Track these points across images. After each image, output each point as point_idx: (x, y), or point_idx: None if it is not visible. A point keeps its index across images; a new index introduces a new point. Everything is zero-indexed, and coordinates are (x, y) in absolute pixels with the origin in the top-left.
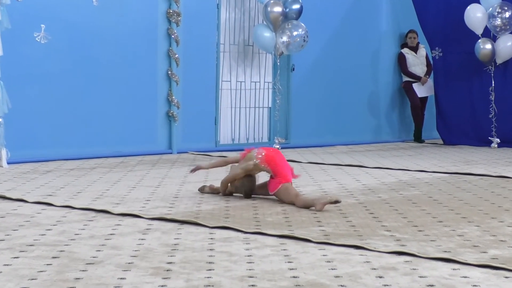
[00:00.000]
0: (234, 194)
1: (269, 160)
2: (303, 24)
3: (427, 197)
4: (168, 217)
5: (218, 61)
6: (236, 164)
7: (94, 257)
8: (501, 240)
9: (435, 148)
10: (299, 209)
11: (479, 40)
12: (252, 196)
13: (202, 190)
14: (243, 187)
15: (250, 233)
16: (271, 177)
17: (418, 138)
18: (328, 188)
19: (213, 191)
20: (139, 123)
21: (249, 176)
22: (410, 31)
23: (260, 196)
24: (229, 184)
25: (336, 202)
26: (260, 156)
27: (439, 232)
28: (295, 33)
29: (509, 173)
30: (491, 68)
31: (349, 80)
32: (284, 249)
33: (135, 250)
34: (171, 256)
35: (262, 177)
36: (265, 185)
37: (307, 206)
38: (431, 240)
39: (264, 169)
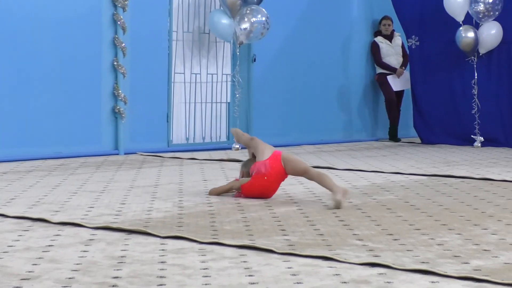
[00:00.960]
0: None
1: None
2: (264, 10)
3: (403, 202)
4: (114, 226)
5: (170, 51)
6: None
7: (30, 271)
8: (485, 250)
9: (412, 148)
10: (260, 217)
11: (460, 28)
12: None
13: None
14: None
15: (206, 244)
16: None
17: (393, 136)
18: (294, 192)
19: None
20: (81, 120)
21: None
22: (384, 18)
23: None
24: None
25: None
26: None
27: (416, 241)
28: (255, 19)
29: (493, 175)
30: (474, 59)
31: (317, 72)
32: (244, 261)
33: (77, 264)
34: (118, 269)
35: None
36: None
37: (323, 184)
38: (408, 250)
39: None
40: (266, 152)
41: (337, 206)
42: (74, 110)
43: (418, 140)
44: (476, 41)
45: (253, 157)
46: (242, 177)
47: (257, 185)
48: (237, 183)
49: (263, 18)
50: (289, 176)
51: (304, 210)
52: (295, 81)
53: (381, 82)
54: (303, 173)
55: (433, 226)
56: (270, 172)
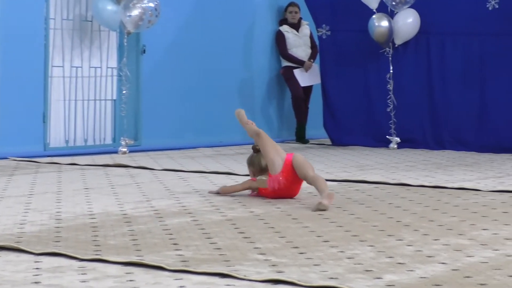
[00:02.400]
0: None
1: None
2: None
3: (311, 211)
4: None
5: (47, 41)
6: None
7: None
8: (399, 263)
9: (321, 150)
10: (150, 229)
11: (374, 16)
12: None
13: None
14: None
15: (87, 261)
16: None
17: (301, 137)
18: (188, 202)
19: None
20: None
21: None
22: (291, 4)
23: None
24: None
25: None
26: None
27: (324, 254)
28: (143, 5)
29: (410, 179)
30: (389, 51)
31: (216, 66)
32: (130, 280)
33: None
34: None
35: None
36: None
37: (315, 185)
38: (315, 265)
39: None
40: (276, 162)
41: (320, 208)
42: None
43: (329, 141)
44: (391, 31)
45: (256, 151)
46: (254, 175)
47: (275, 194)
48: (255, 184)
49: (152, 5)
50: (181, 183)
51: (199, 222)
52: (191, 76)
53: (287, 77)
54: (309, 180)
55: (344, 238)
56: (286, 185)
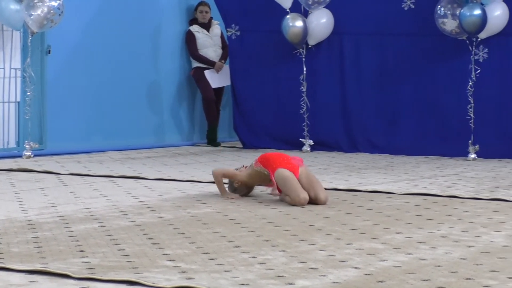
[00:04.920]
0: None
1: (262, 159)
2: None
3: (222, 216)
4: None
5: None
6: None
7: None
8: (312, 268)
9: (233, 153)
10: (55, 236)
11: (287, 16)
12: None
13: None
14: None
15: None
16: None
17: (212, 140)
18: (95, 207)
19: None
20: None
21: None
22: (201, 4)
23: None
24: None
25: None
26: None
27: (235, 260)
28: (45, 4)
29: (323, 183)
30: (302, 51)
31: (123, 67)
32: None
33: None
34: None
35: None
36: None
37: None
38: (226, 271)
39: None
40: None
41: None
42: None
43: (240, 144)
44: (305, 31)
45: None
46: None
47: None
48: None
49: (55, 3)
50: (88, 188)
51: (106, 228)
52: (98, 77)
53: (197, 78)
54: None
55: (255, 243)
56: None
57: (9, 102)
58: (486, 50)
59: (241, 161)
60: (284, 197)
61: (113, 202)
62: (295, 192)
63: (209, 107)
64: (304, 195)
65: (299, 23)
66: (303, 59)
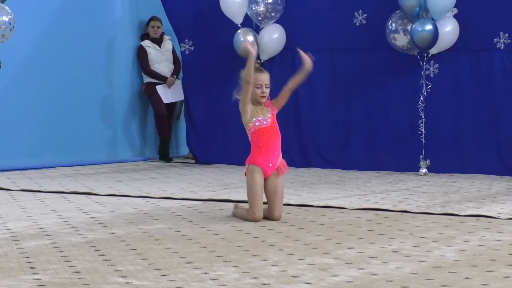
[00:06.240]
0: None
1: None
2: (7, 8)
3: (174, 231)
4: None
5: None
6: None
7: None
8: (264, 284)
9: (185, 169)
10: (6, 253)
11: (239, 31)
12: None
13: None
14: None
15: None
16: None
17: (164, 155)
18: (46, 223)
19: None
20: None
21: None
22: (153, 19)
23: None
24: None
25: None
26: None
27: (187, 276)
28: None
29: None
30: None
31: (76, 81)
32: None
33: None
34: None
35: None
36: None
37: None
38: (178, 287)
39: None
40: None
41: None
42: None
43: (193, 159)
44: (256, 46)
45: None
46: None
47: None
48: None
49: (6, 18)
50: (39, 204)
51: (57, 244)
52: (49, 92)
53: (149, 93)
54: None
55: (207, 259)
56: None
57: None
58: (437, 65)
59: (193, 176)
60: (236, 211)
61: (64, 218)
62: (253, 207)
63: (161, 123)
64: (260, 215)
65: (249, 38)
66: None
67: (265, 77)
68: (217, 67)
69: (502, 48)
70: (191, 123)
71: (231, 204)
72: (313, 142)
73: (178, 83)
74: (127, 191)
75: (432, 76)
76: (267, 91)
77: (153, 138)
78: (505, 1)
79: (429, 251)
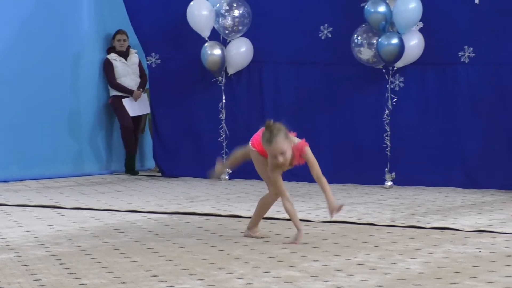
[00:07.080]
0: None
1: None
2: None
3: (140, 244)
4: None
5: None
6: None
7: None
8: None
9: (151, 182)
10: None
11: (206, 44)
12: None
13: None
14: None
15: None
16: None
17: (130, 168)
18: (11, 237)
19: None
20: None
21: None
22: (119, 32)
23: None
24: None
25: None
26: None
27: None
28: None
29: (241, 211)
30: (222, 80)
31: (42, 94)
32: None
33: None
34: None
35: None
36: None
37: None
38: None
39: None
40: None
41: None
42: None
43: (159, 173)
44: (223, 59)
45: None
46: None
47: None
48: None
49: None
50: (4, 218)
51: (22, 258)
52: (15, 104)
53: (115, 106)
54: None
55: (173, 272)
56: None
57: None
58: (402, 78)
59: (159, 189)
60: (249, 234)
61: (29, 231)
62: (286, 194)
63: (127, 136)
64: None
65: (217, 51)
66: (223, 87)
67: (273, 148)
68: (184, 81)
69: (466, 61)
70: (157, 136)
71: (197, 217)
72: None
73: (145, 96)
74: (93, 204)
75: (397, 89)
76: (282, 157)
77: (119, 151)
78: (469, 15)
79: (394, 263)
